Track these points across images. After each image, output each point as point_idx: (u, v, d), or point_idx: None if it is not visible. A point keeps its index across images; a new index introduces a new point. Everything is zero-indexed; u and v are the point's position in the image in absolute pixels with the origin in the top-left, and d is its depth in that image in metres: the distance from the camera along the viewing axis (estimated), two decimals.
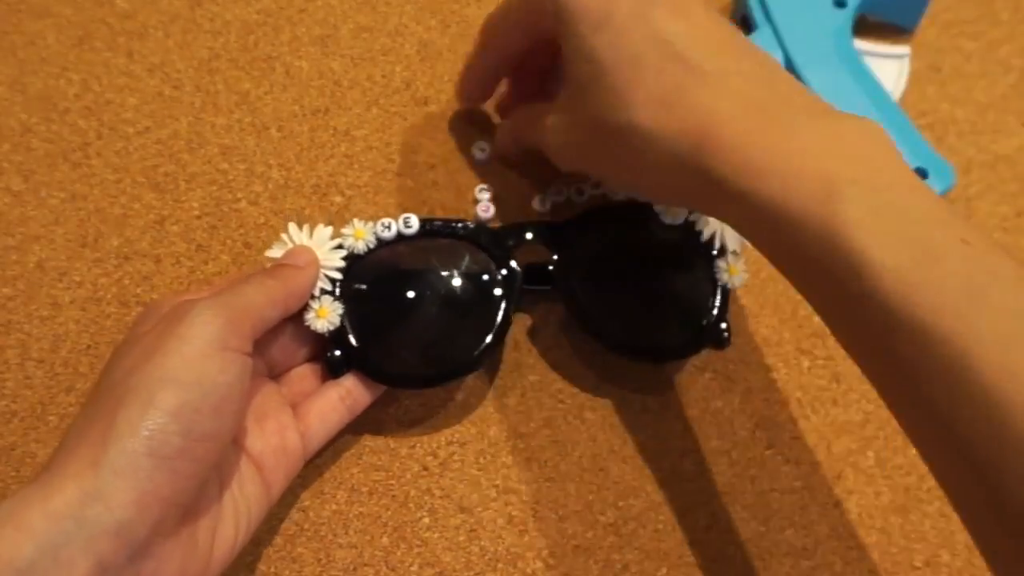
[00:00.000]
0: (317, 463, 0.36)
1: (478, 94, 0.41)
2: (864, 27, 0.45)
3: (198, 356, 0.28)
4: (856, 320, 0.25)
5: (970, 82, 0.45)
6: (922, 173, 0.39)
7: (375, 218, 0.41)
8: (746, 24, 0.44)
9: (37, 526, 0.24)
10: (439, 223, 0.36)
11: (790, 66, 0.41)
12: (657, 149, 0.29)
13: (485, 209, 0.41)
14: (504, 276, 0.36)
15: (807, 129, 0.27)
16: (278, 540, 0.35)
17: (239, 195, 0.41)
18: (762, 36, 0.42)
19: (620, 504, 0.36)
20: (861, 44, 0.43)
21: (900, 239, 0.24)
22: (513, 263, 0.36)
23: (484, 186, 0.41)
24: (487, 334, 0.35)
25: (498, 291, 0.36)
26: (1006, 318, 0.23)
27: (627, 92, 0.30)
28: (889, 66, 0.43)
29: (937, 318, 0.23)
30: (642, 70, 0.29)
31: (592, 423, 0.37)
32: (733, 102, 0.28)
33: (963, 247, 0.24)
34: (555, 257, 0.37)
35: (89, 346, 0.38)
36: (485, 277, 0.36)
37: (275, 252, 0.34)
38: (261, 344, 0.31)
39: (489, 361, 0.38)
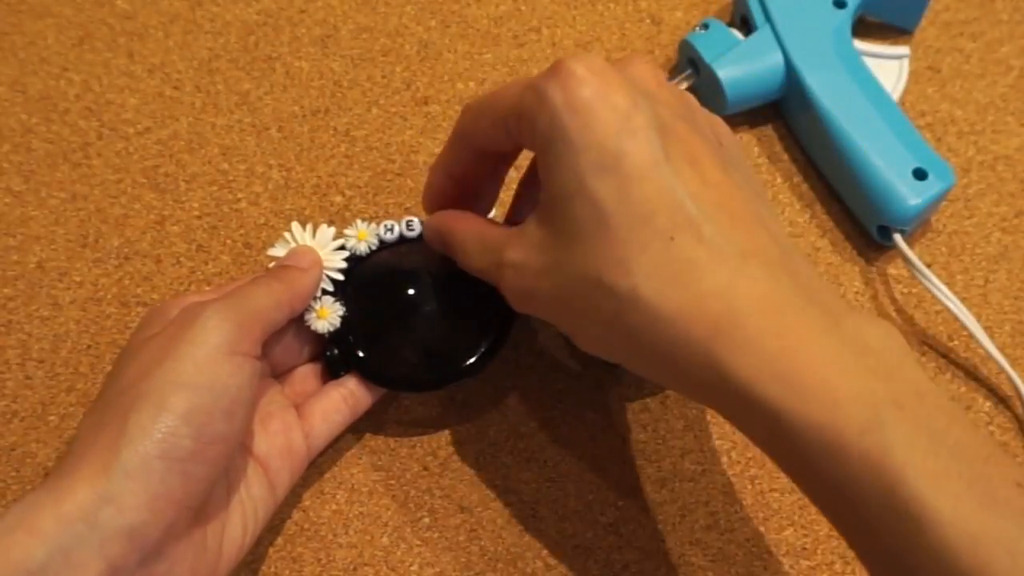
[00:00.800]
0: (317, 463, 0.36)
1: (439, 198, 0.34)
2: (864, 27, 0.45)
3: (209, 360, 0.28)
4: (910, 568, 0.23)
5: (970, 82, 0.45)
6: (922, 173, 0.39)
7: (375, 218, 0.41)
8: (746, 24, 0.44)
9: (49, 529, 0.24)
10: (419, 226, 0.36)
11: (790, 66, 0.41)
12: (660, 328, 0.26)
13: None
14: None
15: (835, 336, 0.25)
16: (278, 540, 0.35)
17: (239, 195, 0.41)
18: (762, 36, 0.42)
19: (620, 504, 0.36)
20: (861, 44, 0.43)
21: (960, 483, 0.22)
22: None
23: None
24: (488, 338, 0.35)
25: (499, 295, 0.36)
26: None
27: (633, 257, 0.26)
28: (889, 66, 0.43)
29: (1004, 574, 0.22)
30: (652, 234, 0.26)
31: (592, 423, 0.37)
32: (751, 292, 0.25)
33: (1019, 491, 0.23)
34: None
35: (89, 346, 0.38)
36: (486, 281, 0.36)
37: (278, 250, 0.34)
38: (264, 344, 0.31)
39: (489, 364, 0.38)
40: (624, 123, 0.26)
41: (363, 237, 0.35)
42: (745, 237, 0.26)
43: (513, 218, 0.36)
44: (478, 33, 0.46)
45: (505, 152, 0.33)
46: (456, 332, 0.36)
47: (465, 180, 0.34)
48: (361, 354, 0.35)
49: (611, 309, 0.26)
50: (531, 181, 0.35)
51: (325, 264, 0.34)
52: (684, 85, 0.43)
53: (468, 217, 0.33)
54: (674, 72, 0.44)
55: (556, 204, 0.27)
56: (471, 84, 0.44)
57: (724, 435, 0.37)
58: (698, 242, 0.26)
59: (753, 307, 0.25)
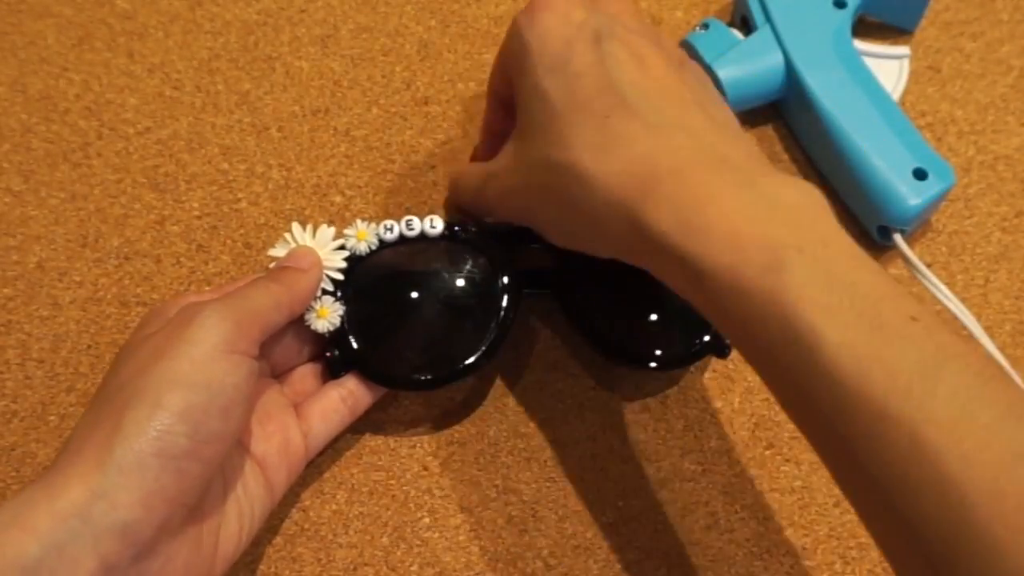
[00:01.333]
0: (317, 463, 0.36)
1: (485, 155, 0.38)
2: (864, 27, 0.45)
3: (206, 358, 0.28)
4: (805, 395, 0.25)
5: (970, 82, 0.45)
6: (922, 174, 0.39)
7: (375, 218, 0.41)
8: (746, 25, 0.44)
9: (43, 526, 0.24)
10: (442, 225, 0.36)
11: (790, 66, 0.41)
12: (596, 195, 0.28)
13: None
14: (505, 280, 0.36)
15: (748, 191, 0.27)
16: (278, 540, 0.35)
17: (239, 195, 0.41)
18: (762, 36, 0.42)
19: (620, 504, 0.36)
20: (861, 44, 0.43)
21: (850, 314, 0.24)
22: (514, 267, 0.36)
23: None
24: (487, 338, 0.35)
25: (498, 295, 0.36)
26: (958, 399, 0.23)
27: (572, 134, 0.29)
28: (889, 66, 0.43)
29: (889, 398, 0.23)
30: (589, 115, 0.29)
31: (592, 423, 0.37)
32: (674, 156, 0.28)
33: (912, 324, 0.24)
34: (554, 260, 0.37)
35: (89, 346, 0.38)
36: (486, 281, 0.36)
37: (278, 251, 0.34)
38: (264, 344, 0.31)
39: (489, 364, 0.38)
40: (576, 32, 0.31)
41: (363, 237, 0.35)
42: (678, 113, 0.29)
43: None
44: (478, 33, 0.46)
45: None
46: (455, 331, 0.36)
47: (505, 136, 0.36)
48: (361, 353, 0.35)
49: (560, 185, 0.30)
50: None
51: (325, 264, 0.34)
52: None
53: (472, 163, 0.38)
54: None
55: (521, 112, 0.32)
56: (471, 84, 0.44)
57: (724, 435, 0.37)
58: (631, 118, 0.29)
59: (674, 168, 0.27)
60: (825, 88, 0.41)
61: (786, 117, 0.44)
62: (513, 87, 0.33)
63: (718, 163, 0.28)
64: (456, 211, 0.40)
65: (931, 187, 0.39)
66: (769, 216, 0.26)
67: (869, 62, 0.42)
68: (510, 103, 0.34)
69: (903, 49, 0.44)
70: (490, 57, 0.45)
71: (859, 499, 0.26)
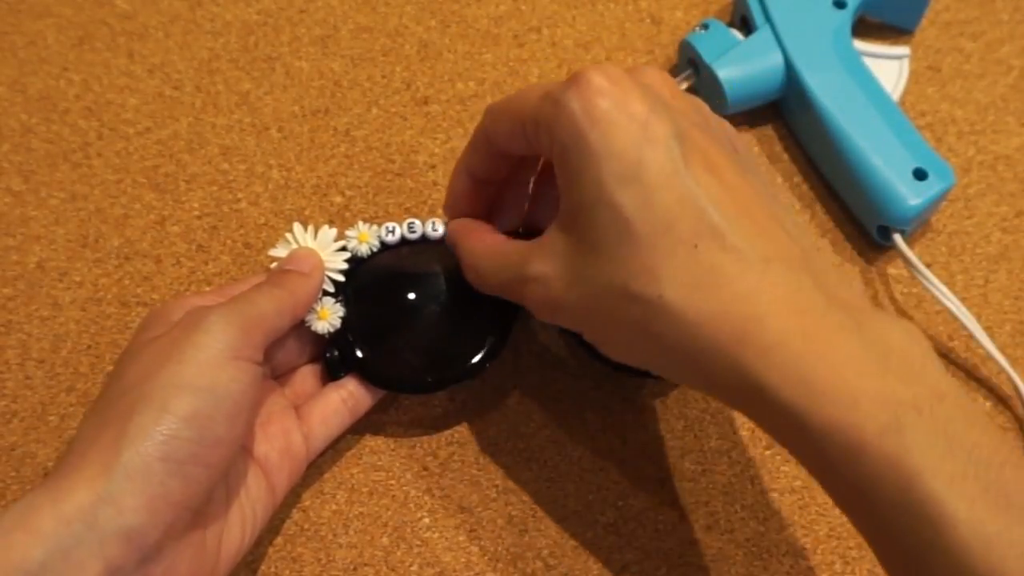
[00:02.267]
0: (317, 463, 0.36)
1: (461, 200, 0.35)
2: (864, 27, 0.45)
3: (212, 363, 0.28)
4: (923, 566, 0.23)
5: (970, 82, 0.45)
6: (922, 173, 0.39)
7: (375, 218, 0.41)
8: (746, 25, 0.44)
9: (48, 529, 0.24)
10: (443, 228, 0.36)
11: (790, 67, 0.41)
12: (688, 335, 0.26)
13: None
14: None
15: (856, 338, 0.25)
16: (278, 540, 0.35)
17: (239, 195, 0.41)
18: (761, 37, 0.42)
19: (620, 504, 0.36)
20: (861, 44, 0.43)
21: (975, 486, 0.23)
22: None
23: None
24: (487, 342, 0.35)
25: (499, 298, 0.36)
26: None
27: (659, 265, 0.26)
28: (889, 67, 0.43)
29: None
30: (676, 242, 0.26)
31: (592, 423, 0.37)
32: (774, 295, 0.26)
33: None
34: None
35: (89, 346, 0.38)
36: None
37: (279, 251, 0.34)
38: (266, 347, 0.31)
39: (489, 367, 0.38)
40: (643, 132, 0.27)
41: (364, 239, 0.35)
42: (766, 241, 0.27)
43: (529, 220, 0.36)
44: (478, 33, 0.46)
45: (526, 157, 0.32)
46: (456, 334, 0.36)
47: (488, 183, 0.34)
48: (361, 355, 0.35)
49: (638, 317, 0.27)
50: (545, 181, 0.35)
51: (326, 265, 0.34)
52: (684, 85, 0.43)
53: (484, 231, 0.34)
54: (674, 72, 0.44)
55: (578, 214, 0.28)
56: (471, 84, 0.44)
57: (724, 435, 0.37)
58: (721, 249, 0.26)
59: (776, 310, 0.25)
60: (825, 88, 0.41)
61: (786, 117, 0.44)
62: (560, 175, 0.28)
63: (822, 304, 0.26)
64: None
65: (931, 187, 0.39)
66: (882, 368, 0.25)
67: (869, 62, 0.42)
68: (511, 159, 0.32)
69: (903, 49, 0.44)
70: (491, 57, 0.45)
71: None
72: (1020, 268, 0.41)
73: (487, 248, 0.33)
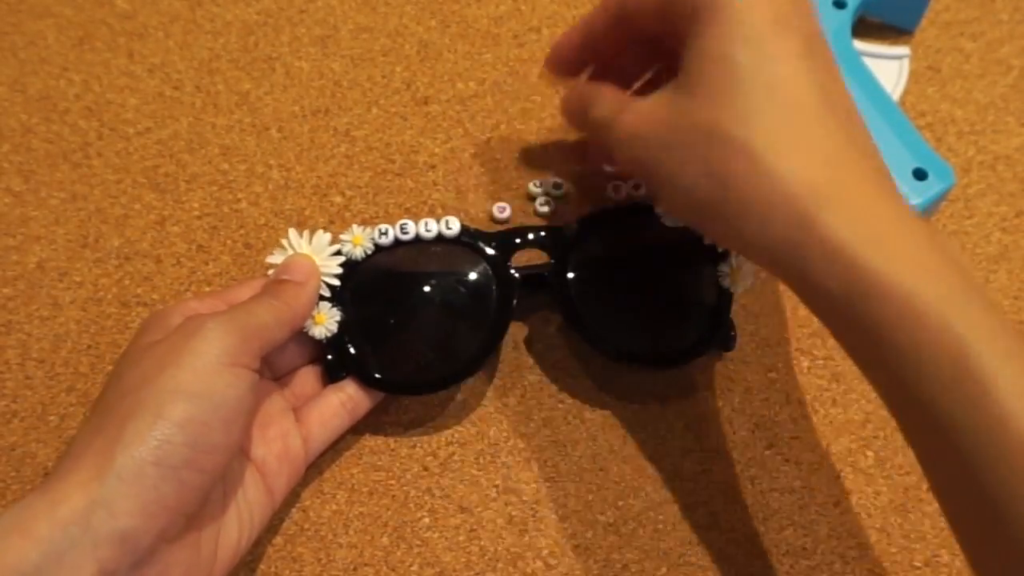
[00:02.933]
0: (317, 463, 0.36)
1: (568, 57, 0.37)
2: (864, 27, 0.45)
3: (209, 370, 0.28)
4: (967, 439, 0.24)
5: (970, 82, 0.45)
6: (922, 174, 0.39)
7: (375, 218, 0.41)
8: None
9: (43, 533, 0.24)
10: (436, 228, 0.36)
11: None
12: (763, 179, 0.28)
13: (501, 210, 0.41)
14: (501, 281, 0.36)
15: (920, 222, 0.27)
16: (278, 540, 0.35)
17: (239, 195, 0.41)
18: None
19: (620, 504, 0.36)
20: (861, 45, 0.43)
21: (1021, 361, 0.24)
22: (511, 268, 0.36)
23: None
24: (483, 340, 0.35)
25: (495, 296, 0.36)
26: None
27: (754, 113, 0.28)
28: (889, 67, 0.43)
29: None
30: (779, 103, 0.28)
31: (592, 423, 0.37)
32: (858, 168, 0.28)
33: None
34: (552, 262, 0.37)
35: (89, 346, 0.38)
36: (482, 282, 0.36)
37: (276, 259, 0.34)
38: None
39: (486, 365, 0.38)
40: (773, 11, 0.29)
41: (358, 242, 0.35)
42: (850, 125, 0.29)
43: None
44: (478, 33, 0.46)
45: (647, 31, 0.34)
46: (452, 334, 0.36)
47: (596, 51, 0.36)
48: (358, 358, 0.35)
49: (718, 156, 0.29)
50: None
51: (322, 270, 0.34)
52: None
53: (594, 85, 0.36)
54: None
55: (694, 64, 0.30)
56: (471, 84, 0.44)
57: (724, 435, 0.37)
58: (815, 119, 0.28)
59: (859, 181, 0.28)
60: None
61: None
62: (682, 34, 0.31)
63: (892, 188, 0.28)
64: (572, 125, 0.38)
65: (931, 187, 0.39)
66: (941, 254, 0.26)
67: (869, 62, 0.42)
68: (632, 29, 0.34)
69: (903, 49, 0.44)
70: (491, 57, 0.45)
71: (992, 551, 0.25)
72: (1020, 268, 0.41)
73: (600, 90, 0.35)
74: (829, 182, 0.27)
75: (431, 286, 0.36)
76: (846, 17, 0.43)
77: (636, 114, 0.32)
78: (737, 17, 0.29)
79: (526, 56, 0.45)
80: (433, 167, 0.42)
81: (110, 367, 0.38)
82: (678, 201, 0.31)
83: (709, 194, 0.29)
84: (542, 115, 0.44)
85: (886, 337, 0.26)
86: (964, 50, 0.46)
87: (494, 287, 0.36)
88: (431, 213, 0.41)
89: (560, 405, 0.38)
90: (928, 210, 0.39)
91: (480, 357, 0.35)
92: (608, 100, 0.34)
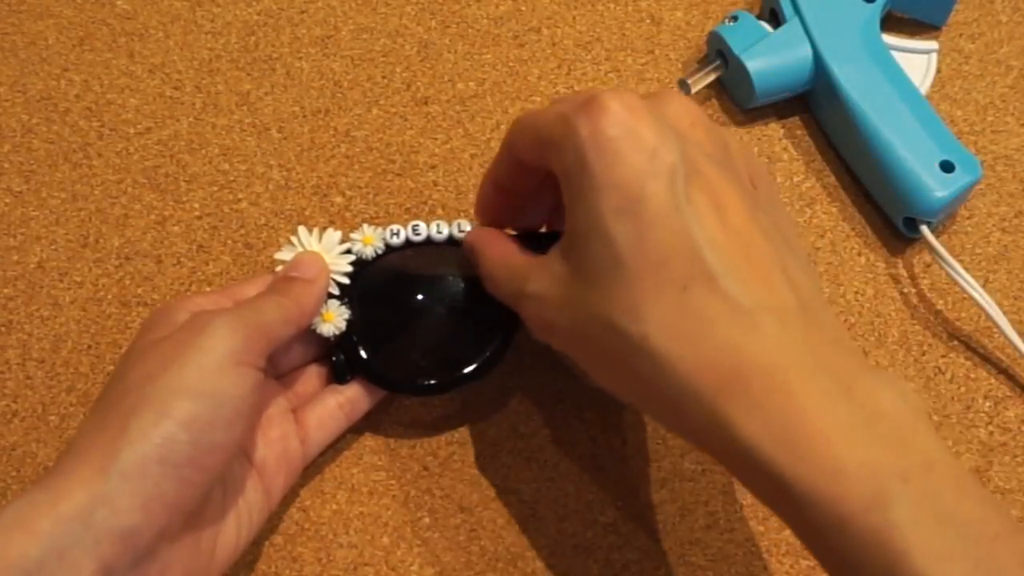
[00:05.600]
0: (317, 463, 0.36)
1: (490, 207, 0.35)
2: (891, 22, 0.45)
3: (214, 369, 0.28)
4: None
5: (969, 82, 0.45)
6: (949, 166, 0.39)
7: (375, 218, 0.41)
8: (775, 17, 0.44)
9: (44, 528, 0.25)
10: (448, 230, 0.36)
11: (818, 59, 0.41)
12: (670, 380, 0.25)
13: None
14: None
15: (845, 404, 0.24)
16: (278, 539, 0.35)
17: (240, 195, 0.41)
18: (791, 29, 0.42)
19: (620, 504, 0.36)
20: (889, 39, 0.43)
21: (965, 564, 0.22)
22: None
23: None
24: (493, 343, 0.35)
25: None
26: None
27: (645, 303, 0.26)
28: (917, 60, 0.43)
29: None
30: (665, 282, 0.25)
31: (592, 423, 0.37)
32: (761, 349, 0.25)
33: None
34: None
35: (90, 346, 0.38)
36: None
37: (284, 255, 0.34)
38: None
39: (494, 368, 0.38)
40: (648, 164, 0.26)
41: (369, 241, 0.35)
42: (762, 288, 0.26)
43: (552, 224, 0.36)
44: (478, 33, 0.46)
45: (543, 171, 0.31)
46: (461, 337, 0.36)
47: (513, 191, 0.33)
48: (366, 358, 0.35)
49: (621, 352, 0.26)
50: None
51: (331, 268, 0.34)
52: (712, 77, 0.44)
53: (499, 241, 0.33)
54: (703, 64, 0.44)
55: (575, 239, 0.27)
56: (471, 84, 0.44)
57: None
58: (711, 293, 0.25)
59: (762, 366, 0.25)
60: (853, 81, 0.41)
61: (813, 110, 0.44)
62: (564, 196, 0.28)
63: (810, 365, 0.25)
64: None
65: (958, 180, 0.39)
66: (870, 435, 0.24)
67: (897, 56, 0.42)
68: (535, 170, 0.31)
69: (931, 44, 0.44)
70: (491, 57, 0.45)
71: None
72: (1020, 268, 0.41)
73: (498, 258, 0.32)
74: (733, 370, 0.25)
75: (441, 288, 0.36)
76: (875, 11, 0.43)
77: (536, 300, 0.29)
78: (600, 188, 0.26)
79: (526, 56, 0.45)
80: (433, 167, 0.42)
81: (110, 367, 0.38)
82: (606, 385, 0.29)
83: (630, 388, 0.28)
84: None
85: (823, 542, 0.24)
86: (964, 50, 0.46)
87: None
88: (432, 213, 0.41)
89: (560, 405, 0.38)
90: (955, 203, 0.39)
91: (489, 361, 0.35)
92: (509, 269, 0.32)
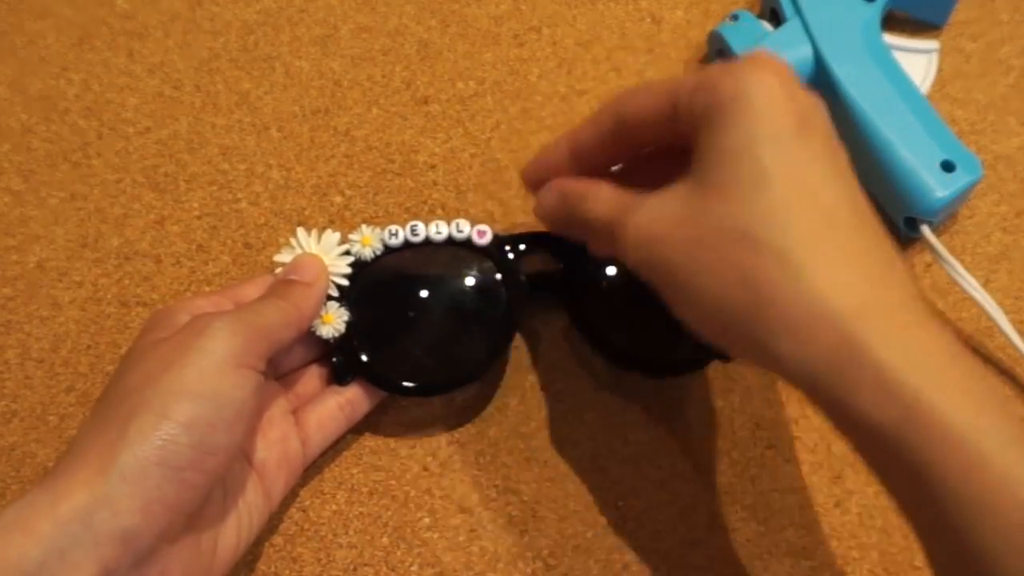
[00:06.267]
0: (317, 463, 0.36)
1: (549, 168, 0.34)
2: (892, 22, 0.45)
3: (215, 371, 0.28)
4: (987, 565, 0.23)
5: (970, 82, 0.45)
6: (950, 166, 0.39)
7: (375, 218, 0.41)
8: (775, 17, 0.44)
9: (44, 530, 0.25)
10: (446, 230, 0.36)
11: (819, 59, 0.41)
12: (805, 294, 0.25)
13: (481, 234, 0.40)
14: (510, 285, 0.36)
15: (968, 354, 0.26)
16: (278, 540, 0.35)
17: (239, 195, 0.41)
18: (791, 29, 0.42)
19: (620, 504, 0.36)
20: (890, 38, 0.43)
21: None
22: (520, 273, 0.36)
23: None
24: (491, 344, 0.35)
25: (504, 300, 0.36)
26: None
27: (792, 221, 0.26)
28: (918, 60, 0.43)
29: None
30: (814, 209, 0.26)
31: (592, 423, 0.37)
32: (902, 291, 0.26)
33: None
34: (562, 268, 0.36)
35: (89, 346, 0.38)
36: (491, 286, 0.36)
37: (284, 257, 0.34)
38: None
39: (493, 368, 0.38)
40: (807, 116, 0.28)
41: (368, 242, 0.35)
42: (886, 247, 0.27)
43: None
44: (478, 33, 0.46)
45: (646, 140, 0.31)
46: (459, 337, 0.36)
47: (589, 160, 0.33)
48: (365, 359, 0.35)
49: (750, 263, 0.26)
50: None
51: (330, 270, 0.34)
52: None
53: (590, 178, 0.33)
54: (703, 63, 0.44)
55: (712, 161, 0.27)
56: (471, 84, 0.44)
57: (724, 435, 0.37)
58: (853, 232, 0.27)
59: (904, 304, 0.26)
60: (853, 80, 0.41)
61: None
62: (702, 132, 0.28)
63: (935, 315, 0.27)
64: (551, 227, 0.34)
65: (958, 179, 0.39)
66: (993, 385, 0.26)
67: (898, 55, 0.42)
68: (625, 135, 0.31)
69: (932, 43, 0.44)
70: (491, 57, 0.45)
71: None
72: (1020, 268, 0.41)
73: (596, 188, 0.31)
74: (876, 303, 0.25)
75: (440, 289, 0.36)
76: (876, 10, 0.42)
77: (648, 213, 0.29)
78: (760, 114, 0.27)
79: (526, 56, 0.45)
80: (433, 167, 0.42)
81: (110, 367, 0.38)
82: (702, 309, 0.28)
83: (740, 304, 0.26)
84: (542, 115, 0.44)
85: (938, 480, 0.24)
86: (964, 50, 0.46)
87: (503, 291, 0.36)
88: (431, 213, 0.41)
89: (560, 405, 0.38)
90: (956, 202, 0.39)
91: (489, 360, 0.35)
92: (608, 198, 0.31)
